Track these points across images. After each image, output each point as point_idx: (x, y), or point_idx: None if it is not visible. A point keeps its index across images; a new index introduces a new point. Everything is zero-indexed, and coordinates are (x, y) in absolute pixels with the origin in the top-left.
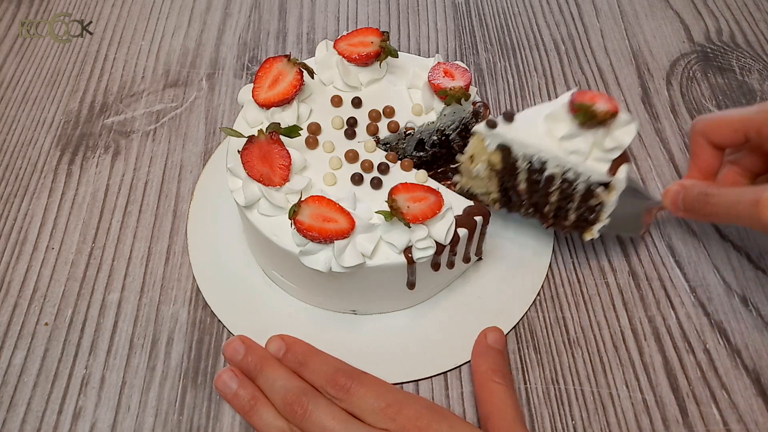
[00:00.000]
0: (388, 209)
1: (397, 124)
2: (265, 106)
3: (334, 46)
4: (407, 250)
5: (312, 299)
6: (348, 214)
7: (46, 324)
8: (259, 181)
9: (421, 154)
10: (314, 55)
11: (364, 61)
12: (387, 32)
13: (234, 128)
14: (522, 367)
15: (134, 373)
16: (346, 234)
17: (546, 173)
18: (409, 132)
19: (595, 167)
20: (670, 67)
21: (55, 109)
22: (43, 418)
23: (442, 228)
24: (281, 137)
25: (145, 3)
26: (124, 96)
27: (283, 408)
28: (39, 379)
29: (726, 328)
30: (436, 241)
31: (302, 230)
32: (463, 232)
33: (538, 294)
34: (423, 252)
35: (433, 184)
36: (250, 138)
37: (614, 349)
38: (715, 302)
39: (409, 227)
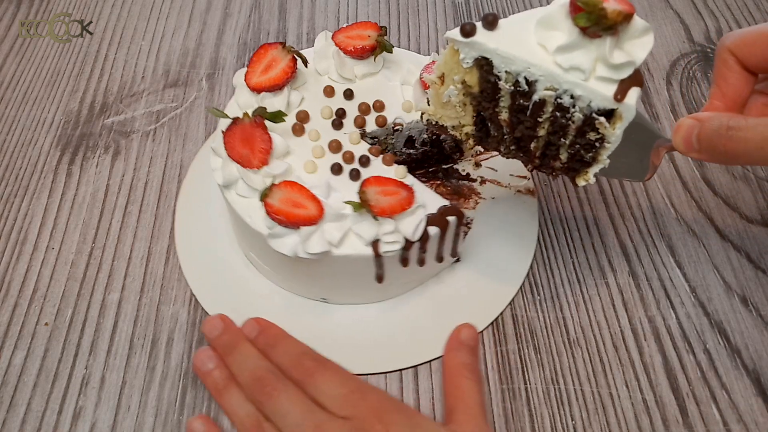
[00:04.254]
0: (358, 200)
1: (384, 118)
2: (256, 90)
3: (333, 38)
4: (375, 243)
5: (285, 284)
6: (318, 201)
7: (46, 324)
8: (238, 162)
9: (411, 151)
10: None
11: (360, 54)
12: (385, 27)
13: (226, 111)
14: (522, 367)
15: (134, 373)
16: (313, 221)
17: (535, 97)
18: (397, 128)
19: (599, 89)
20: (670, 67)
21: (55, 109)
22: (43, 418)
23: (411, 224)
24: (266, 122)
25: (145, 3)
26: (124, 96)
27: (251, 385)
28: (39, 379)
29: (726, 328)
30: (405, 237)
31: (271, 213)
32: (434, 230)
33: (526, 296)
34: (390, 246)
35: (411, 180)
36: (235, 120)
37: (614, 349)
38: (715, 302)
39: (377, 220)
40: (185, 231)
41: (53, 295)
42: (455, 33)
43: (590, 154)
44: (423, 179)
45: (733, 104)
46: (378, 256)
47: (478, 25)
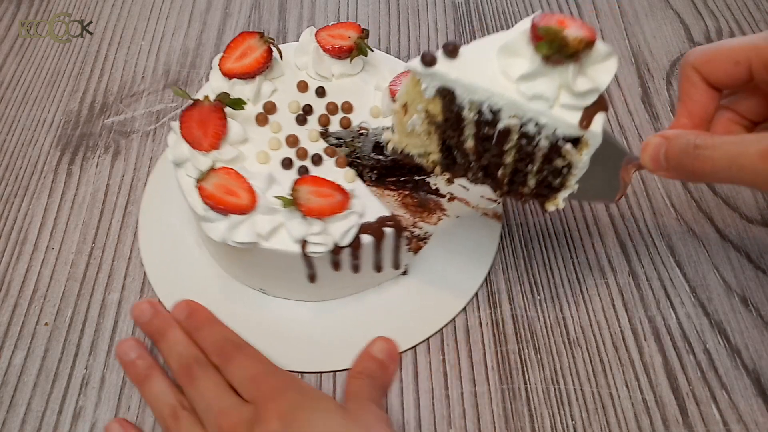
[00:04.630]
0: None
1: (349, 120)
2: (228, 75)
3: (316, 34)
4: (304, 242)
5: (227, 270)
6: (252, 192)
7: (46, 324)
8: (189, 143)
9: (380, 157)
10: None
11: (338, 54)
12: (367, 30)
13: (200, 93)
14: (522, 367)
15: None
16: (244, 210)
17: (500, 126)
18: (362, 132)
19: (563, 117)
20: (670, 67)
21: (55, 109)
22: (43, 418)
23: (340, 228)
24: (228, 108)
25: (145, 3)
26: (124, 96)
27: (177, 371)
28: (39, 379)
29: (726, 328)
30: (334, 241)
31: (203, 196)
32: (367, 239)
33: (481, 303)
34: (316, 247)
35: (356, 186)
36: (195, 101)
37: (614, 349)
38: (715, 302)
39: (305, 219)
40: (149, 211)
41: (53, 295)
42: (415, 63)
43: (558, 180)
44: (392, 187)
45: (699, 121)
46: (305, 255)
47: (439, 54)
